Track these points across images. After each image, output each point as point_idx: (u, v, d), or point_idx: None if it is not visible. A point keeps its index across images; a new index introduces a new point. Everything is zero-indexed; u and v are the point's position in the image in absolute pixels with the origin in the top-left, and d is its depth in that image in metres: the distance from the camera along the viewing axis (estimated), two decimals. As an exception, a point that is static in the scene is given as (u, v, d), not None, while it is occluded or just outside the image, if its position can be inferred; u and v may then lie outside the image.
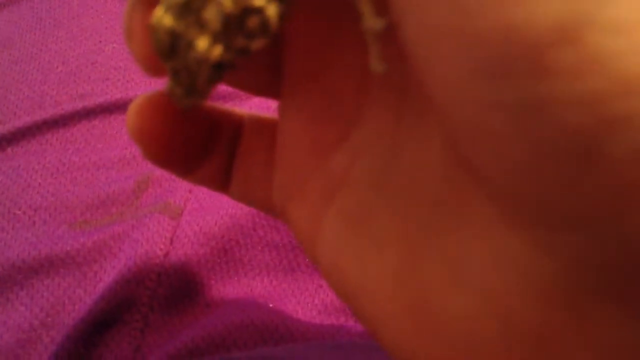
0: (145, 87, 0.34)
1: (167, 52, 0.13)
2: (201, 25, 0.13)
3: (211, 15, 0.12)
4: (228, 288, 0.26)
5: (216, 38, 0.13)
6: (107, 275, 0.25)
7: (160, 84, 0.34)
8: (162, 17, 0.13)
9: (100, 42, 0.36)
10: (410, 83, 0.14)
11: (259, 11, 0.13)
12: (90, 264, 0.26)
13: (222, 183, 0.19)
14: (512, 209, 0.10)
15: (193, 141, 0.18)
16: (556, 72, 0.08)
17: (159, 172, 0.30)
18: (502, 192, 0.10)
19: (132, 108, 0.17)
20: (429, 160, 0.13)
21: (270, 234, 0.28)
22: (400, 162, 0.14)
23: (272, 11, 0.13)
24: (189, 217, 0.28)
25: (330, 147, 0.16)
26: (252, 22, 0.13)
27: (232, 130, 0.19)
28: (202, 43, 0.13)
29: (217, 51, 0.13)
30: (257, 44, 0.13)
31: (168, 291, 0.25)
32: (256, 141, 0.19)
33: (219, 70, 0.14)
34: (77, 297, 0.25)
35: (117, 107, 0.32)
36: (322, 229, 0.15)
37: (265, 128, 0.19)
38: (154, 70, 0.16)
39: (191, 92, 0.14)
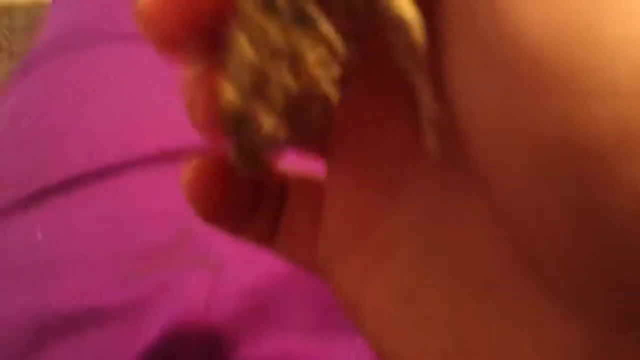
0: (186, 140, 0.34)
1: (233, 129, 0.14)
2: (268, 106, 0.13)
3: (279, 98, 0.13)
4: (264, 345, 0.27)
5: (281, 118, 0.14)
6: (147, 330, 0.25)
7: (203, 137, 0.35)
8: (232, 96, 0.14)
9: (143, 94, 0.37)
10: (460, 159, 0.14)
11: (324, 95, 0.13)
12: (131, 317, 0.26)
13: (267, 239, 0.20)
14: (571, 306, 0.10)
15: (243, 200, 0.19)
16: (618, 182, 0.08)
17: (199, 225, 0.30)
18: (562, 289, 0.10)
19: (189, 170, 0.18)
20: (476, 240, 0.13)
21: (307, 292, 0.29)
22: (447, 241, 0.14)
23: (336, 94, 0.13)
24: (227, 272, 0.28)
25: (376, 217, 0.16)
26: (317, 105, 0.13)
27: (278, 188, 0.19)
28: (268, 123, 0.13)
29: (282, 131, 0.14)
30: (320, 124, 0.14)
31: (206, 347, 0.25)
32: (301, 200, 0.19)
33: (282, 147, 0.14)
34: (118, 351, 0.25)
35: (159, 159, 0.33)
36: (367, 298, 0.16)
37: (309, 187, 0.19)
38: (212, 135, 0.16)
39: (253, 165, 0.15)
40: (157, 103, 0.36)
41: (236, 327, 0.27)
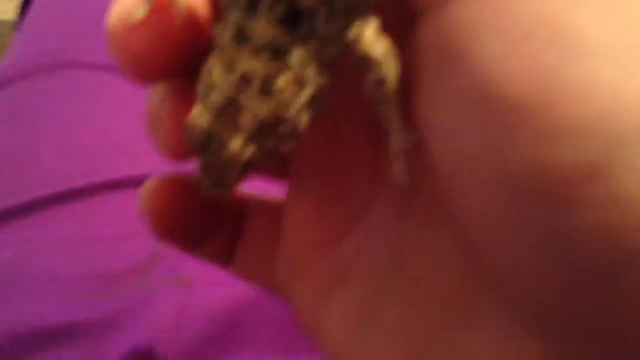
0: (155, 167, 0.34)
1: (201, 149, 0.14)
2: (236, 127, 0.14)
3: (247, 120, 0.13)
4: None
5: (249, 140, 0.14)
6: (117, 349, 0.25)
7: (168, 163, 0.34)
8: (201, 117, 0.14)
9: (110, 119, 0.37)
10: (424, 183, 0.15)
11: (292, 120, 0.13)
12: (100, 336, 0.26)
13: (225, 259, 0.19)
14: (531, 321, 0.11)
15: (201, 220, 0.19)
16: (583, 204, 0.09)
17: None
18: (523, 308, 0.11)
19: (148, 188, 0.17)
20: (438, 264, 0.14)
21: (277, 310, 0.29)
22: (408, 264, 0.14)
23: (304, 119, 0.14)
24: (197, 291, 0.28)
25: (336, 237, 0.16)
26: (284, 129, 0.13)
27: (238, 209, 0.19)
28: (235, 144, 0.13)
29: (249, 152, 0.14)
30: (286, 147, 0.14)
31: None
32: (260, 221, 0.19)
33: (248, 168, 0.14)
34: None
35: (128, 184, 0.33)
36: (328, 316, 0.16)
37: (269, 208, 0.19)
38: (175, 157, 0.16)
39: (219, 185, 0.15)
40: (126, 130, 0.36)
41: (205, 346, 0.26)
